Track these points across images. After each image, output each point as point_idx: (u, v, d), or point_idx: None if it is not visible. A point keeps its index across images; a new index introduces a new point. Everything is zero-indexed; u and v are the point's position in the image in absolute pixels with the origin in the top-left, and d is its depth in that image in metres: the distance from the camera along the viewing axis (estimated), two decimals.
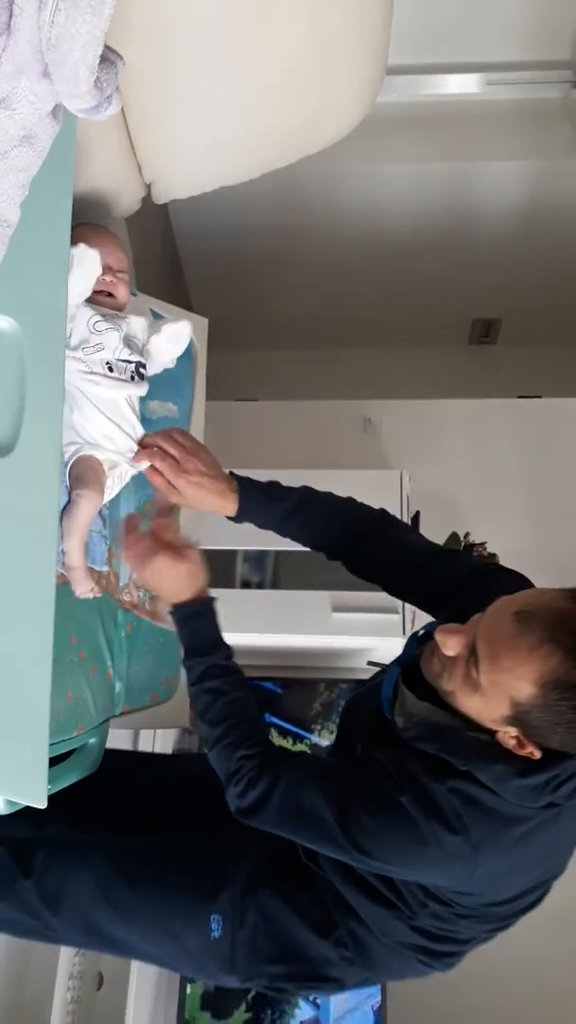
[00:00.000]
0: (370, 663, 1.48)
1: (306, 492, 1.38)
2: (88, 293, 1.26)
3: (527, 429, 3.03)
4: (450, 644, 1.08)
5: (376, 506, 1.43)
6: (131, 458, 1.29)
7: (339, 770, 1.19)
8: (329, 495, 1.40)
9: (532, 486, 2.94)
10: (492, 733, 1.08)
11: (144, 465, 1.31)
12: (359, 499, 1.43)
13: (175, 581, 1.23)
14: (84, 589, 1.26)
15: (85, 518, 1.22)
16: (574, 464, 2.97)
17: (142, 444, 1.30)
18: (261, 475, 1.43)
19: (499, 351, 3.79)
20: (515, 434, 3.02)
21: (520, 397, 3.24)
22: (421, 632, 1.27)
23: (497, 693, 1.03)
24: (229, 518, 1.36)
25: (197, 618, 1.25)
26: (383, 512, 1.40)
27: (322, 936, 1.28)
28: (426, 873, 1.15)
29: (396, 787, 1.09)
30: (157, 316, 1.52)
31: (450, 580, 1.29)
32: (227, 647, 1.25)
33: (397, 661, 1.27)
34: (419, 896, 1.20)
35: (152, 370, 1.37)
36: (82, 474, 1.23)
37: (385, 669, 1.30)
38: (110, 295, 1.33)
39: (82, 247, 1.21)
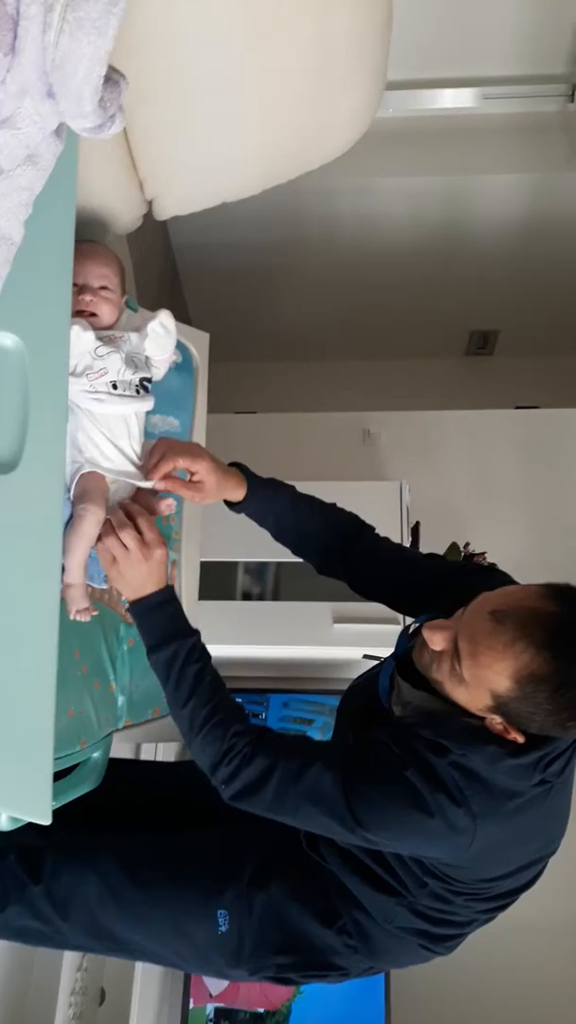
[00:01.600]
0: (366, 656, 1.53)
1: (294, 489, 1.43)
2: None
3: (525, 440, 3.04)
4: (436, 640, 1.13)
5: (377, 517, 1.47)
6: (150, 481, 1.28)
7: (340, 748, 1.22)
8: (313, 496, 1.44)
9: (531, 496, 2.94)
10: (482, 718, 1.13)
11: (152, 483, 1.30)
12: (359, 511, 1.47)
13: (138, 577, 1.22)
14: (81, 608, 1.23)
15: (89, 534, 1.21)
16: (571, 473, 2.98)
17: (152, 468, 1.28)
18: None
19: (496, 362, 3.80)
20: (514, 445, 3.03)
21: (518, 408, 3.25)
22: (412, 627, 1.31)
23: (479, 686, 1.09)
24: (232, 505, 1.38)
25: (173, 602, 1.25)
26: (363, 521, 1.45)
27: (326, 925, 1.31)
28: (425, 845, 1.18)
29: (400, 761, 1.12)
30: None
31: (436, 578, 1.34)
32: (197, 630, 1.26)
33: (392, 655, 1.32)
34: (417, 875, 1.23)
35: (160, 373, 1.37)
36: (86, 490, 1.23)
37: (381, 662, 1.36)
38: (93, 315, 1.30)
39: (76, 329, 1.19)
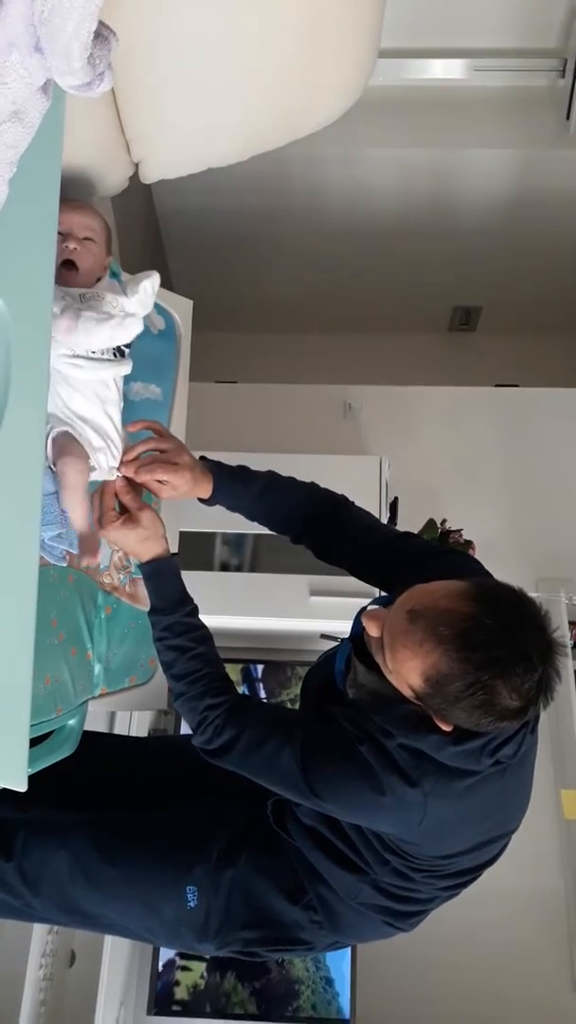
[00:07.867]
0: (323, 636, 1.54)
1: (273, 475, 1.42)
2: None
3: (504, 418, 3.05)
4: (371, 628, 1.16)
5: (355, 492, 1.46)
6: (119, 471, 1.30)
7: (301, 721, 1.25)
8: (293, 479, 1.44)
9: (508, 474, 2.96)
10: None
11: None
12: (338, 485, 1.46)
13: (132, 541, 1.28)
14: (92, 558, 1.27)
15: (78, 482, 1.22)
16: (549, 453, 3.00)
17: (127, 457, 1.31)
18: (240, 458, 1.44)
19: (478, 339, 3.80)
20: (493, 422, 3.04)
21: (498, 386, 3.25)
22: (367, 607, 1.32)
23: (398, 679, 1.11)
24: (201, 500, 1.38)
25: (158, 576, 1.29)
26: (344, 497, 1.45)
27: (292, 901, 1.34)
28: (375, 820, 1.21)
29: (356, 737, 1.15)
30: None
31: (405, 560, 1.34)
32: (189, 603, 1.30)
33: (349, 636, 1.34)
34: (379, 852, 1.26)
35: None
36: (64, 445, 1.22)
37: (338, 643, 1.38)
38: (73, 265, 1.26)
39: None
